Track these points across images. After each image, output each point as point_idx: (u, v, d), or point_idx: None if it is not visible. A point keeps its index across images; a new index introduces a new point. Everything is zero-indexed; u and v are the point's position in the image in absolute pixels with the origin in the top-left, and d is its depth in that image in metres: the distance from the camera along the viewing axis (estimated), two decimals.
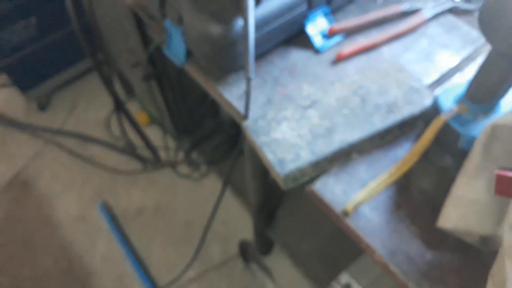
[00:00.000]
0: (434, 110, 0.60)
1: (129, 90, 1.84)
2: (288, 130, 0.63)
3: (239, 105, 0.71)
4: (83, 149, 1.85)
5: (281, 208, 1.28)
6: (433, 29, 0.80)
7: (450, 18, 0.81)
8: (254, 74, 0.74)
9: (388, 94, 0.65)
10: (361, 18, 0.79)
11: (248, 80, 0.63)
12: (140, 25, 1.13)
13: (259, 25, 0.68)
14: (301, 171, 0.61)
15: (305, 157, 0.61)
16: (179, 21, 0.72)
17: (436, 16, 0.81)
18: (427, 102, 0.64)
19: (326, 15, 0.78)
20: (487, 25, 0.47)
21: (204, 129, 1.50)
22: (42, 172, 1.82)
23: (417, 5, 0.81)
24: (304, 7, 0.73)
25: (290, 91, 0.72)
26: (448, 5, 0.81)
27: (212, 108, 1.45)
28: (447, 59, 0.75)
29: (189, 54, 0.76)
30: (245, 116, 0.67)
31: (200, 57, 0.74)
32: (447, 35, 0.79)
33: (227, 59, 0.71)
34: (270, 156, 0.61)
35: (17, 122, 1.96)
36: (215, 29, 0.66)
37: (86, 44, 1.17)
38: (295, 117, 0.65)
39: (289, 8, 0.71)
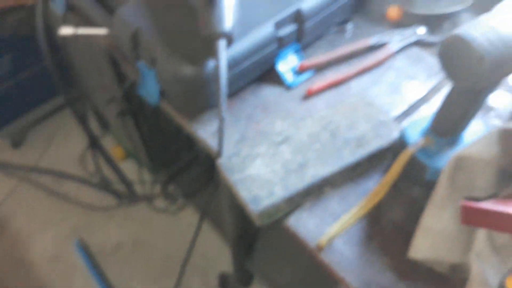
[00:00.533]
0: (402, 143, 0.63)
1: (105, 124, 1.84)
2: (262, 166, 0.65)
3: (213, 143, 0.72)
4: (58, 186, 1.83)
5: (260, 239, 1.29)
6: (400, 61, 0.83)
7: (416, 50, 0.85)
8: (228, 112, 0.76)
9: (357, 128, 0.68)
10: (330, 53, 0.82)
11: (221, 120, 0.65)
12: (114, 62, 1.15)
13: (231, 65, 0.71)
14: (275, 207, 0.62)
15: (279, 193, 0.62)
16: (152, 62, 0.73)
17: (402, 49, 0.85)
18: (395, 135, 0.66)
19: (296, 52, 0.81)
20: (446, 64, 0.50)
21: (181, 161, 1.51)
22: (16, 210, 1.79)
23: (383, 39, 0.85)
24: (274, 46, 0.76)
25: (263, 127, 0.74)
26: (414, 38, 0.85)
27: (188, 141, 1.46)
28: (414, 91, 0.78)
29: (162, 93, 0.78)
30: (219, 154, 0.68)
31: (173, 96, 0.76)
32: (413, 67, 0.82)
33: (200, 98, 0.73)
34: (245, 193, 0.62)
35: None
36: (187, 70, 0.68)
37: (59, 81, 1.18)
38: (268, 153, 0.66)
39: (260, 48, 0.74)
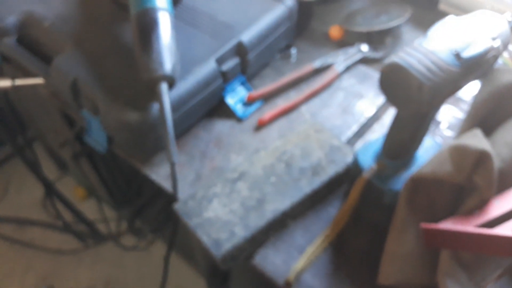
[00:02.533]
0: (356, 167, 0.61)
1: (63, 165, 1.78)
2: (220, 207, 0.62)
3: (168, 185, 0.69)
4: (21, 233, 1.75)
5: (235, 269, 1.26)
6: (347, 81, 0.82)
7: (362, 68, 0.84)
8: (180, 152, 0.73)
9: (311, 156, 0.66)
10: (277, 81, 0.80)
11: (172, 165, 0.62)
12: (61, 107, 1.10)
13: (177, 106, 0.68)
14: (238, 249, 0.59)
15: (240, 233, 0.60)
16: (96, 110, 0.70)
17: (348, 68, 0.84)
18: (349, 159, 0.65)
19: (243, 83, 0.79)
20: (387, 92, 0.49)
21: (143, 196, 1.47)
22: None
23: (328, 60, 0.84)
24: (219, 81, 0.74)
25: (218, 163, 0.72)
26: (358, 56, 0.85)
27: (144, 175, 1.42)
28: (364, 110, 0.77)
29: (110, 140, 0.74)
30: (174, 199, 0.66)
31: (121, 142, 0.72)
32: (361, 85, 0.81)
33: (149, 142, 0.70)
34: (205, 238, 0.60)
35: None
36: (132, 116, 0.65)
37: (3, 131, 1.12)
38: (225, 192, 0.64)
39: (205, 85, 0.71)
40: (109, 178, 1.36)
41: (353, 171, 0.63)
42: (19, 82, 0.87)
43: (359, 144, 0.73)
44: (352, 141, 0.73)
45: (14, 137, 1.18)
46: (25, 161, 1.19)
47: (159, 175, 0.71)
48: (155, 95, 0.63)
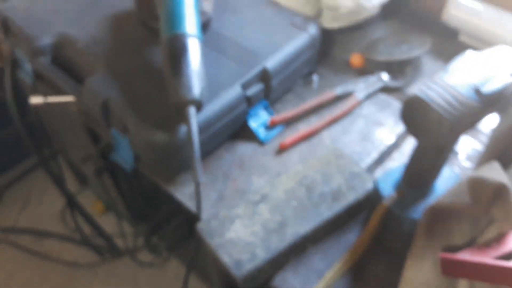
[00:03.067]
0: (376, 194, 0.63)
1: (83, 179, 1.81)
2: (242, 228, 0.64)
3: (191, 205, 0.71)
4: (39, 245, 1.77)
5: None
6: (367, 109, 0.84)
7: (382, 96, 0.86)
8: (204, 173, 0.75)
9: (331, 181, 0.68)
10: (299, 107, 0.82)
11: (197, 185, 0.65)
12: (87, 124, 1.13)
13: (203, 129, 0.71)
14: (258, 270, 0.61)
15: (261, 255, 0.61)
16: (125, 130, 0.73)
17: (368, 96, 0.86)
18: (369, 186, 0.66)
19: (265, 108, 0.81)
20: (408, 124, 0.51)
21: (162, 213, 1.49)
22: None
23: (349, 87, 0.86)
24: (244, 105, 0.76)
25: (240, 185, 0.74)
26: (378, 84, 0.87)
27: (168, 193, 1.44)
28: (383, 137, 0.79)
29: (137, 158, 0.77)
30: (198, 218, 0.67)
31: (148, 162, 0.75)
32: (381, 113, 0.83)
33: (175, 162, 0.72)
34: (226, 258, 0.61)
35: None
36: (160, 137, 0.68)
37: (30, 144, 1.16)
38: (247, 213, 0.66)
39: (230, 109, 0.74)
40: (129, 194, 1.39)
41: (373, 198, 0.64)
42: (51, 99, 0.90)
43: (378, 172, 0.74)
44: (371, 168, 0.74)
45: (41, 149, 1.21)
46: (49, 174, 1.22)
47: (183, 194, 0.73)
48: (183, 118, 0.66)
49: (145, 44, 0.81)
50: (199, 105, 0.66)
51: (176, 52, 0.68)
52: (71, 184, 1.76)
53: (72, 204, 1.35)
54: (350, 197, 0.66)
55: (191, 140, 0.64)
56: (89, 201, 1.81)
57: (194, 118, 0.65)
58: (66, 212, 1.83)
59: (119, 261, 1.66)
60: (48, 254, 1.73)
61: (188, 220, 1.41)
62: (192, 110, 0.65)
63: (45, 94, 0.90)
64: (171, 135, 0.68)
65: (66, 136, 1.38)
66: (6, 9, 0.91)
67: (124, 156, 0.78)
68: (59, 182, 1.29)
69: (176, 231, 1.42)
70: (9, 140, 1.82)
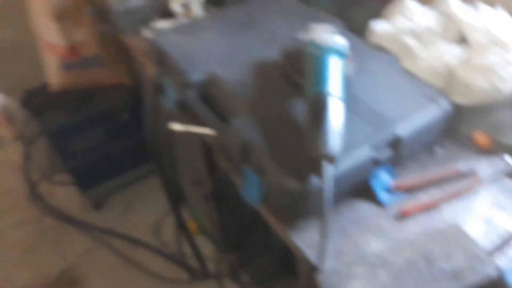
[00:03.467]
0: (502, 283, 0.63)
1: (177, 198, 1.92)
2: None
3: (310, 253, 0.75)
4: (131, 251, 1.89)
5: None
6: (490, 191, 0.83)
7: (507, 181, 0.85)
8: None
9: (452, 259, 0.69)
10: (421, 176, 0.84)
11: (325, 238, 0.68)
12: (207, 150, 1.22)
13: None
14: None
15: None
16: (259, 171, 0.79)
17: (492, 178, 0.85)
18: (490, 271, 0.66)
19: (389, 171, 0.84)
20: None
21: (254, 245, 1.54)
22: (90, 270, 1.86)
23: (472, 165, 0.86)
24: (370, 166, 0.80)
25: (359, 244, 0.76)
26: (503, 168, 0.86)
27: (264, 227, 1.49)
28: (506, 224, 0.78)
29: (264, 198, 0.82)
30: (318, 269, 0.71)
31: (274, 203, 0.80)
32: (504, 198, 0.82)
33: (300, 209, 0.77)
34: None
35: (72, 218, 2.04)
36: (293, 185, 0.73)
37: (158, 157, 1.26)
38: (366, 275, 0.68)
39: (357, 168, 0.78)
40: (227, 220, 1.46)
41: (497, 285, 0.64)
42: (192, 129, 0.99)
43: (500, 259, 0.73)
44: (492, 253, 0.74)
45: (162, 165, 1.32)
46: (166, 188, 1.31)
47: (302, 240, 0.77)
48: (317, 170, 0.70)
49: (287, 95, 0.87)
50: (334, 161, 0.71)
51: (319, 109, 0.73)
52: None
53: (181, 223, 1.44)
54: (471, 279, 0.66)
55: (323, 194, 0.68)
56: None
57: (329, 173, 0.69)
58: (161, 225, 1.95)
59: (202, 283, 1.73)
60: (139, 262, 1.84)
61: (280, 258, 1.45)
62: (327, 165, 0.70)
63: (183, 122, 1.00)
64: (303, 184, 0.73)
65: (181, 157, 1.48)
66: (164, 42, 1.03)
67: (251, 193, 0.84)
68: (172, 198, 1.39)
69: (266, 266, 1.46)
70: (121, 150, 1.99)
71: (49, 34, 1.61)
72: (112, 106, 1.82)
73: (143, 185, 2.13)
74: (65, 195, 2.15)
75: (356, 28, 1.13)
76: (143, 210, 2.06)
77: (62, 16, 1.56)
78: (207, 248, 1.73)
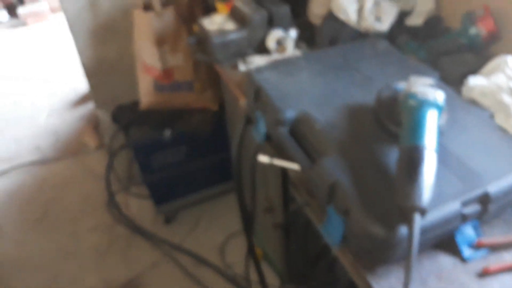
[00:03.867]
0: None
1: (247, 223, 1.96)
2: None
3: None
4: (195, 269, 1.95)
5: None
6: None
7: None
8: (402, 273, 0.79)
9: None
10: (507, 235, 0.83)
11: None
12: (284, 180, 1.25)
13: None
14: None
15: None
16: (344, 212, 0.81)
17: None
18: None
19: (475, 227, 0.83)
20: None
21: (317, 279, 1.54)
22: (154, 282, 1.93)
23: None
24: (457, 221, 0.80)
25: None
26: None
27: (329, 262, 1.49)
28: None
29: (344, 239, 0.84)
30: None
31: (355, 246, 0.81)
32: None
33: (383, 256, 0.78)
34: None
35: (144, 230, 2.14)
36: (379, 231, 0.74)
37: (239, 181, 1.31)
38: None
39: (445, 222, 0.78)
40: (294, 250, 1.48)
41: None
42: (277, 162, 1.04)
43: None
44: None
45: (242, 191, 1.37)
46: (243, 211, 1.36)
47: (380, 285, 0.78)
48: (406, 220, 0.72)
49: (378, 140, 0.89)
50: (424, 213, 0.72)
51: (415, 162, 0.75)
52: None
53: (251, 247, 1.47)
54: None
55: (411, 245, 0.69)
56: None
57: (418, 225, 0.70)
58: (226, 246, 2.00)
59: None
60: (201, 280, 1.89)
61: None
62: (417, 217, 0.71)
63: (269, 153, 1.04)
64: (389, 232, 0.74)
65: (258, 184, 1.52)
66: (261, 78, 1.08)
67: (332, 233, 0.86)
68: (247, 222, 1.43)
69: None
70: (198, 170, 2.07)
71: (148, 57, 1.73)
72: (195, 128, 1.91)
73: (212, 205, 2.21)
74: (139, 206, 2.27)
75: (448, 79, 1.14)
76: (211, 229, 2.13)
77: (162, 42, 1.67)
78: (268, 275, 1.75)
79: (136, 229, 2.14)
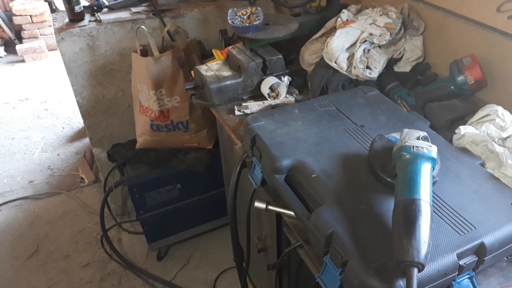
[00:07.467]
0: None
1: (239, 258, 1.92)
2: None
3: None
4: None
5: None
6: None
7: None
8: None
9: None
10: (503, 286, 0.81)
11: None
12: (278, 222, 1.23)
13: None
14: None
15: None
16: (342, 264, 0.78)
17: None
18: None
19: (470, 278, 0.81)
20: None
21: None
22: None
23: None
24: (454, 272, 0.77)
25: None
26: None
27: None
28: None
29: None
30: None
31: None
32: None
33: None
34: None
35: (136, 266, 2.08)
36: (376, 285, 0.72)
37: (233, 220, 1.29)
38: None
39: (442, 274, 0.75)
40: None
41: None
42: (272, 207, 1.02)
43: None
44: None
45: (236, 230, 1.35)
46: (237, 251, 1.32)
47: None
48: (403, 275, 0.69)
49: (373, 190, 0.88)
50: (421, 268, 0.70)
51: (412, 216, 0.73)
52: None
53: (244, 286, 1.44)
54: None
55: None
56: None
57: (415, 280, 0.68)
58: (217, 282, 1.95)
59: None
60: None
61: None
62: (415, 272, 0.68)
63: (264, 197, 1.02)
64: (387, 286, 0.71)
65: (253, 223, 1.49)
66: (257, 127, 1.07)
67: (329, 282, 0.83)
68: (241, 262, 1.39)
69: None
70: (191, 208, 2.04)
71: (145, 100, 1.71)
72: (190, 166, 1.88)
73: (204, 239, 2.17)
74: (132, 242, 2.21)
75: (437, 124, 1.14)
76: (201, 265, 2.08)
77: (159, 85, 1.66)
78: None
79: (128, 265, 2.08)
